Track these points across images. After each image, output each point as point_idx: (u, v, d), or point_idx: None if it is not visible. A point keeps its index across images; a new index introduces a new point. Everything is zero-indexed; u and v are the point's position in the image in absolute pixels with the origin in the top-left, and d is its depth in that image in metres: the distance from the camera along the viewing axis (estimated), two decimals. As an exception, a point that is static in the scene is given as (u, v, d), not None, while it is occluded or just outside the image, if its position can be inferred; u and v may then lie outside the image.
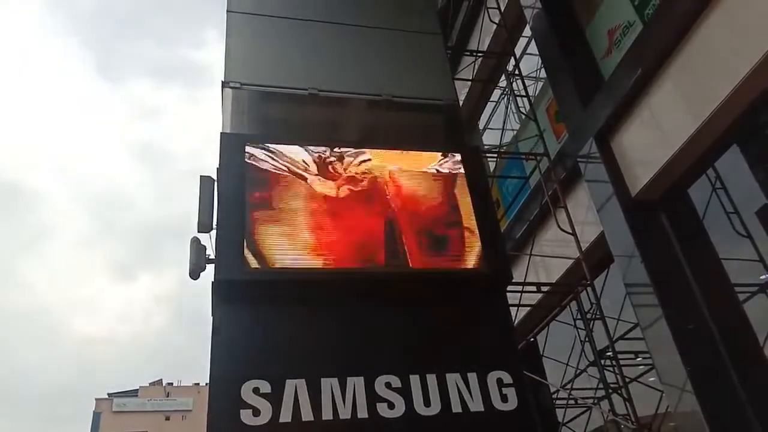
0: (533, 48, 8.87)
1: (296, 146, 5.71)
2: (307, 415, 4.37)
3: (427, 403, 4.61)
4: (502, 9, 9.25)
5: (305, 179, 5.53)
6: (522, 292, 7.35)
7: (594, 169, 6.54)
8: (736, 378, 4.91)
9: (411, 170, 5.85)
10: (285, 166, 5.55)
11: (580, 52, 7.36)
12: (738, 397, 4.84)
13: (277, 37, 7.07)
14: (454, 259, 5.42)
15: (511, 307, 5.70)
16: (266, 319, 4.90)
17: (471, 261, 5.41)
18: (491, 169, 10.26)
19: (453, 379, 4.75)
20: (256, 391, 4.39)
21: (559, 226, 7.10)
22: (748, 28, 4.62)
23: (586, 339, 6.73)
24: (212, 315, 4.82)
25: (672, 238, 5.69)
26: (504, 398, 4.75)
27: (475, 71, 10.49)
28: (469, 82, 10.78)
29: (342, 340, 4.91)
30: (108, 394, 61.04)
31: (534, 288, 7.49)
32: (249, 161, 5.46)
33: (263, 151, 5.57)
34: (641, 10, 6.42)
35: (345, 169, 5.72)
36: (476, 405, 4.67)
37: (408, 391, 4.63)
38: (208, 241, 5.11)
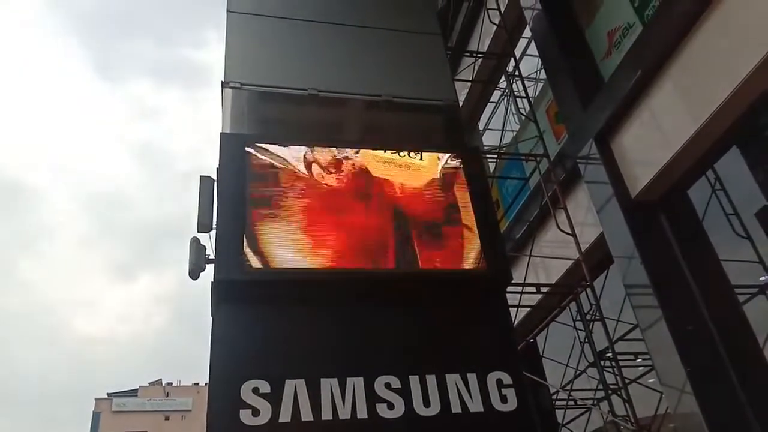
0: (533, 49, 8.88)
1: (296, 146, 5.71)
2: (306, 415, 4.36)
3: (426, 403, 4.60)
4: (502, 10, 9.25)
5: (305, 179, 5.53)
6: (522, 292, 7.35)
7: (594, 170, 6.54)
8: (736, 379, 4.91)
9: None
10: (285, 166, 5.55)
11: (580, 54, 7.36)
12: (737, 398, 4.84)
13: (277, 38, 7.06)
14: (454, 260, 5.42)
15: (510, 308, 5.69)
16: (266, 319, 4.89)
17: (471, 262, 5.41)
18: (491, 170, 10.26)
19: (453, 379, 4.75)
20: (255, 391, 4.38)
21: (558, 227, 7.10)
22: (748, 30, 4.62)
23: (586, 340, 6.73)
24: (212, 315, 4.82)
25: (672, 240, 5.69)
26: (504, 399, 4.74)
27: (475, 72, 10.49)
28: (469, 83, 10.79)
29: (342, 341, 4.91)
30: (107, 394, 61.07)
31: (534, 289, 7.48)
32: (249, 161, 5.46)
33: (263, 151, 5.57)
34: (641, 12, 6.43)
35: (345, 170, 5.72)
36: (476, 405, 4.66)
37: (408, 391, 4.63)
38: (208, 241, 5.11)
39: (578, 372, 7.14)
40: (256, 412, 4.30)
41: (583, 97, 6.90)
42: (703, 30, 5.08)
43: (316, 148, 5.77)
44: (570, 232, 6.96)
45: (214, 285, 4.83)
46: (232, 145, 5.56)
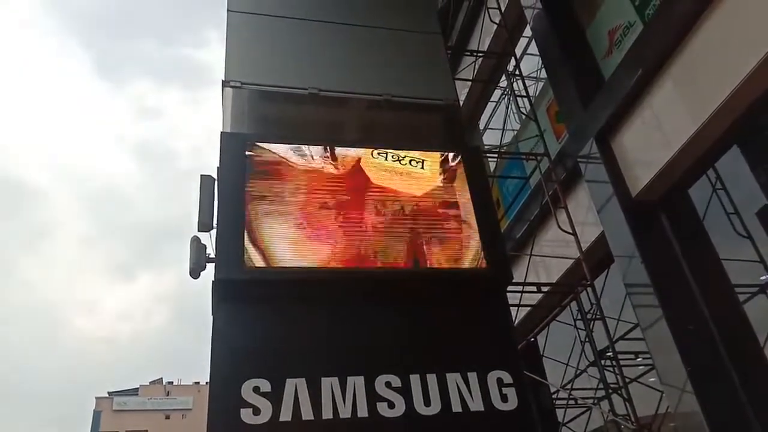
0: (534, 48, 8.87)
1: (296, 145, 5.71)
2: (307, 414, 4.37)
3: (427, 402, 4.61)
4: (503, 9, 9.24)
5: (305, 179, 5.53)
6: (522, 292, 7.35)
7: (594, 170, 6.54)
8: (737, 378, 4.91)
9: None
10: (285, 165, 5.55)
11: (581, 53, 7.36)
12: (738, 397, 4.84)
13: (277, 37, 7.06)
14: (454, 259, 5.42)
15: (511, 307, 5.69)
16: (266, 318, 4.90)
17: (471, 261, 5.41)
18: (491, 169, 10.25)
19: (453, 378, 4.75)
20: (256, 390, 4.39)
21: (559, 227, 7.10)
22: (748, 29, 4.62)
23: (586, 339, 6.73)
24: (212, 314, 4.82)
25: (672, 239, 5.69)
26: (504, 398, 4.75)
27: (476, 71, 10.48)
28: (470, 82, 10.77)
29: (342, 340, 4.91)
30: (108, 393, 61.01)
31: (534, 288, 7.48)
32: (249, 160, 5.46)
33: (263, 150, 5.57)
34: (642, 11, 6.42)
35: (345, 169, 5.72)
36: (476, 405, 4.67)
37: (408, 390, 4.63)
38: (209, 240, 5.11)
39: (579, 371, 7.14)
40: (256, 411, 4.31)
41: (584, 96, 6.89)
42: (704, 29, 5.08)
43: (316, 147, 5.77)
44: (570, 231, 6.96)
45: (215, 284, 4.83)
46: (232, 145, 5.57)
